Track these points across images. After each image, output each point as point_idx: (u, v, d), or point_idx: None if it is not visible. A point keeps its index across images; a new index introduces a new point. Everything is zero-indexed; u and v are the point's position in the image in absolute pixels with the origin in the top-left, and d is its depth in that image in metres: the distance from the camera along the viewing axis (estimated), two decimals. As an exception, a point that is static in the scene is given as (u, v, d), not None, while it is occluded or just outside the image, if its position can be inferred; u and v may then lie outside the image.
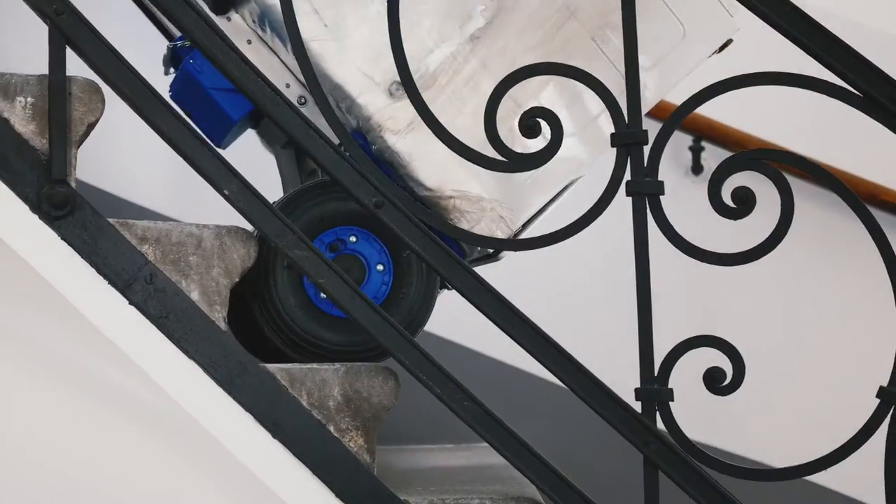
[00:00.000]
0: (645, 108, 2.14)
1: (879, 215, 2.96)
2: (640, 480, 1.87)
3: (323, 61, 2.15)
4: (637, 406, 1.90)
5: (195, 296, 1.92)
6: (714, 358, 1.88)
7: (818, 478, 3.37)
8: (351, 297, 1.92)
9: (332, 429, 1.94)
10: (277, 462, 1.91)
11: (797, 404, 3.36)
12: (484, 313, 1.90)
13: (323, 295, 2.14)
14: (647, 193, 1.91)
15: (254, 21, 2.22)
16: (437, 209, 2.17)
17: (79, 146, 1.92)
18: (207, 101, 2.21)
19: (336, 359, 2.12)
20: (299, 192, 2.18)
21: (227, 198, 1.91)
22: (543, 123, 1.92)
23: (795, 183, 3.28)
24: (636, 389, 1.90)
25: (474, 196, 2.17)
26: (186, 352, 1.90)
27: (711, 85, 1.91)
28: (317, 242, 2.17)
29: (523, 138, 1.90)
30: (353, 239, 2.19)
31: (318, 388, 1.95)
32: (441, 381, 1.90)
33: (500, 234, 2.19)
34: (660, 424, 1.89)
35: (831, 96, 1.86)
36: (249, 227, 1.96)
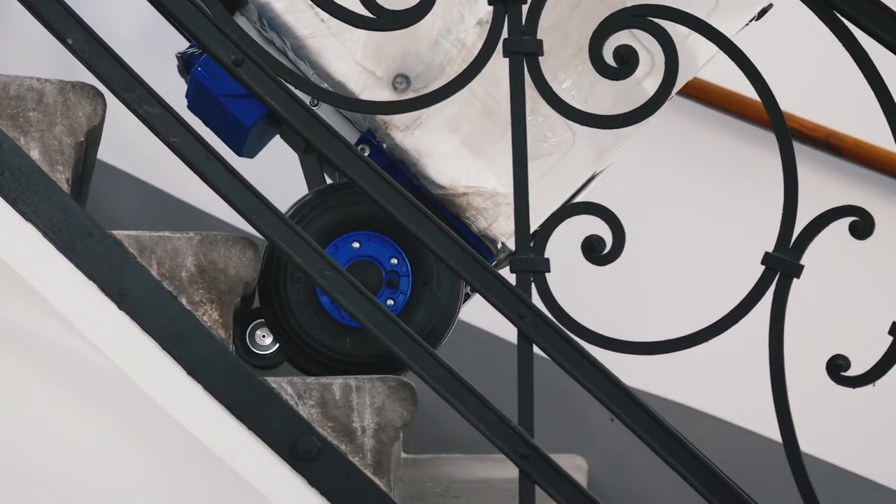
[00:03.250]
0: (684, 80, 2.01)
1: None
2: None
3: (321, 58, 2.02)
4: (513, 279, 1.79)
5: (35, 154, 1.77)
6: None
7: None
8: (206, 157, 1.77)
9: (184, 301, 1.80)
10: (123, 335, 1.76)
11: (684, 281, 3.26)
12: (345, 173, 1.77)
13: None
14: (524, 53, 1.80)
15: (258, 23, 2.09)
16: (454, 209, 2.03)
17: None
18: (219, 109, 2.10)
19: (352, 371, 1.95)
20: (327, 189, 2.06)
21: (70, 48, 1.76)
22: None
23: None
24: (511, 259, 1.78)
25: (489, 191, 2.02)
26: (24, 213, 1.75)
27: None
28: (330, 248, 2.04)
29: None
30: (355, 245, 2.05)
31: (169, 257, 1.81)
32: (303, 251, 1.77)
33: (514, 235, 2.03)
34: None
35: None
36: (99, 85, 1.82)
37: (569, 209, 1.79)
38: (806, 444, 3.19)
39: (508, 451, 1.75)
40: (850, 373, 1.68)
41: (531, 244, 1.77)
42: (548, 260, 1.77)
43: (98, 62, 1.76)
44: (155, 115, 1.77)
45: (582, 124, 1.80)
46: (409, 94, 2.01)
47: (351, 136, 2.08)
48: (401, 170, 2.06)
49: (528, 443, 1.75)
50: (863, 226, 1.67)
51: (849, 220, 1.69)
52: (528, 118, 1.96)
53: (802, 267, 1.72)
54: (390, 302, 2.04)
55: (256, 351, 2.06)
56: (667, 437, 1.73)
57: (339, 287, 1.77)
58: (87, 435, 1.76)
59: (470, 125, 2.02)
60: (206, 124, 2.17)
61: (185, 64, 2.22)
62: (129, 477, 1.76)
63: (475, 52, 1.99)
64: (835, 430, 3.24)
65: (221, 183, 1.77)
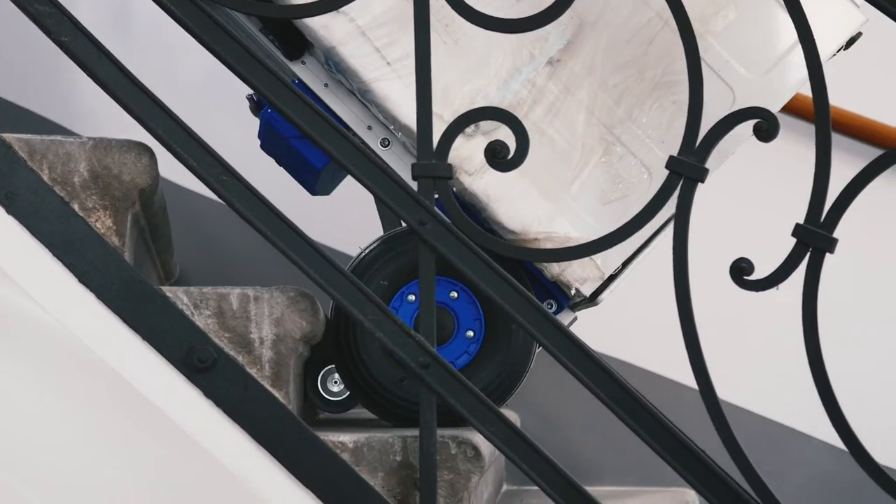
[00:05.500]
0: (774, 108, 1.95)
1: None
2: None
3: (388, 102, 1.97)
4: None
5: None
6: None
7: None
8: (99, 57, 1.72)
9: (76, 207, 1.75)
10: (11, 240, 1.71)
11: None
12: (231, 68, 1.73)
13: None
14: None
15: (326, 64, 2.04)
16: None
17: None
18: (290, 151, 2.07)
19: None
20: (394, 235, 2.00)
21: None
22: None
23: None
24: (413, 165, 1.74)
25: (560, 236, 1.95)
26: None
27: None
28: (414, 285, 1.98)
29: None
30: (453, 294, 1.98)
31: (61, 162, 1.76)
32: (194, 151, 1.72)
33: (591, 278, 1.96)
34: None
35: None
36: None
37: (473, 114, 1.74)
38: (740, 399, 3.21)
39: (408, 361, 1.71)
40: (754, 277, 1.64)
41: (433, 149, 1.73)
42: (450, 166, 1.73)
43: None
44: (45, 13, 1.71)
45: (486, 28, 1.75)
46: (479, 138, 1.96)
47: None
48: (473, 214, 2.00)
49: (428, 351, 1.70)
50: (766, 126, 1.64)
51: (753, 122, 1.65)
52: (602, 159, 1.96)
53: (707, 171, 1.68)
54: (470, 333, 1.99)
55: (328, 397, 2.01)
56: (573, 348, 1.69)
57: (234, 192, 1.73)
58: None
59: (541, 168, 1.96)
60: (279, 163, 2.15)
61: (257, 105, 2.21)
62: (13, 388, 1.70)
63: (546, 93, 1.95)
64: (766, 384, 3.23)
65: (114, 84, 1.72)
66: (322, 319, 1.83)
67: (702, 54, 1.93)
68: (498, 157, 1.72)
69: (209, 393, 1.73)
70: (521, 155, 1.72)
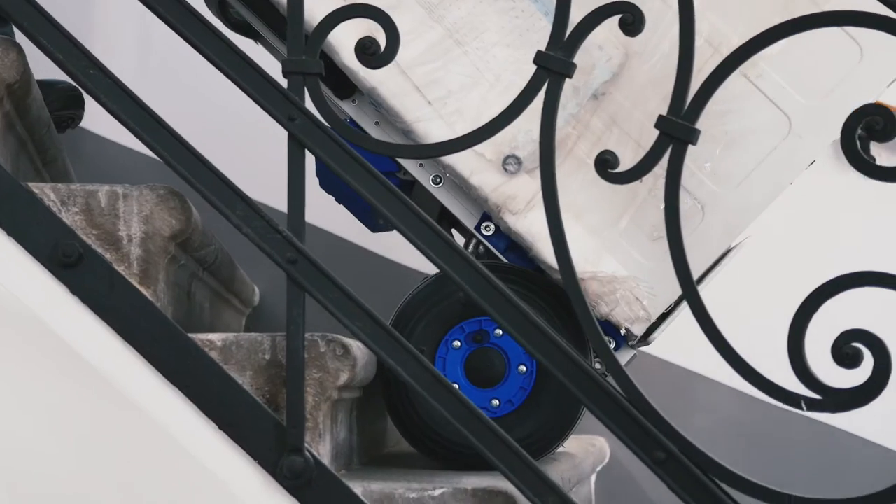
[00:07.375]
0: (829, 139, 1.94)
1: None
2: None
3: (429, 141, 1.94)
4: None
5: None
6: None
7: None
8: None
9: (-60, 101, 1.73)
10: None
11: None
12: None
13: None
14: None
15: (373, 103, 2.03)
16: None
17: None
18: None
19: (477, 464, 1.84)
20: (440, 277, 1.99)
21: None
22: None
23: None
24: (283, 61, 1.72)
25: (606, 276, 1.92)
26: None
27: None
28: (457, 331, 2.00)
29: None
30: (498, 332, 1.98)
31: (-75, 56, 1.74)
32: (60, 43, 1.69)
33: (637, 321, 1.94)
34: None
35: None
36: None
37: (346, 10, 1.73)
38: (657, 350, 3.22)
39: (276, 257, 1.70)
40: (619, 169, 1.64)
41: (305, 44, 1.72)
42: (321, 62, 1.72)
43: None
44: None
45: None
46: (523, 177, 1.94)
47: (476, 214, 2.03)
48: (521, 252, 1.99)
49: (295, 247, 1.69)
50: (631, 20, 1.63)
51: (619, 16, 1.65)
52: (651, 194, 1.93)
53: (574, 66, 1.68)
54: (522, 368, 1.99)
55: None
56: (476, 276, 1.66)
57: (101, 86, 1.71)
58: None
59: (587, 205, 1.92)
60: (339, 201, 2.13)
61: None
62: None
63: (591, 128, 1.92)
64: (671, 329, 3.24)
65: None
66: (194, 218, 1.82)
67: (755, 80, 1.93)
68: (367, 53, 1.71)
69: (75, 289, 1.71)
70: (391, 51, 1.71)
